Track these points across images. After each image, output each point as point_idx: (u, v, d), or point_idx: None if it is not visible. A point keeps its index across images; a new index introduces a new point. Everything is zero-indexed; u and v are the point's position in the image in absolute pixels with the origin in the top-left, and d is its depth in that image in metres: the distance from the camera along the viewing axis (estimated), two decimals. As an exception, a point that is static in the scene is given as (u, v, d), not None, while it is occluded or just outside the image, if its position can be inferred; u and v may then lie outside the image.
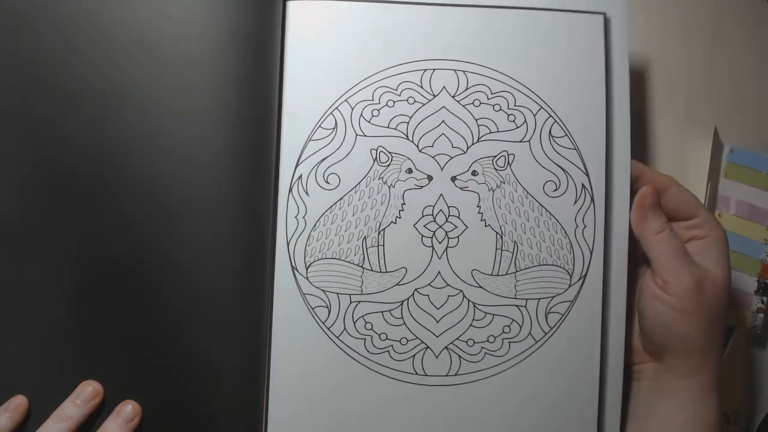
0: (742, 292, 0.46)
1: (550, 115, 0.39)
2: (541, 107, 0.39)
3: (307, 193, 0.38)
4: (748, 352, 0.48)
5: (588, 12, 0.40)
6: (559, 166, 0.39)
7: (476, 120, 0.39)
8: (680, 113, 0.47)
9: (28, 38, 0.35)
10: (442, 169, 0.38)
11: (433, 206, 0.38)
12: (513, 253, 0.38)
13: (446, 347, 0.38)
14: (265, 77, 0.37)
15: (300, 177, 0.38)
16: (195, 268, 0.35)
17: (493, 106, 0.39)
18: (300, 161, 0.38)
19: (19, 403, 0.33)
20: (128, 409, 0.33)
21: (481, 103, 0.39)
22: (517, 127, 0.39)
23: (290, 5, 0.39)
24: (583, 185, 0.39)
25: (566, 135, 0.39)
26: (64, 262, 0.34)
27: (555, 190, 0.39)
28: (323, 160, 0.38)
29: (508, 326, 0.38)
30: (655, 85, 0.47)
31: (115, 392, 0.34)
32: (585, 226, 0.38)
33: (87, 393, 0.33)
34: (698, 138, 0.47)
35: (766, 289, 0.46)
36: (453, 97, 0.39)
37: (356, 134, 0.38)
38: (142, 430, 0.34)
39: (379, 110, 0.39)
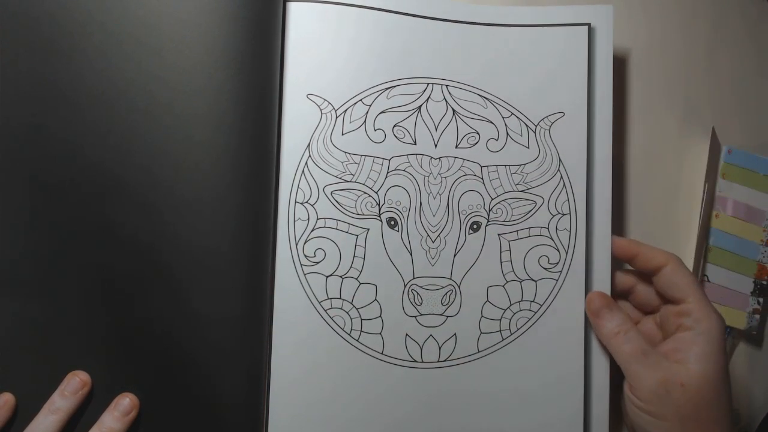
0: (739, 293, 0.46)
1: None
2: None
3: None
4: (745, 353, 0.48)
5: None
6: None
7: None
8: (679, 113, 0.47)
9: (28, 38, 0.35)
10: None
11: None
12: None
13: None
14: (266, 78, 0.37)
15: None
16: (197, 268, 0.35)
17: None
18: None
19: (6, 400, 0.33)
20: (125, 401, 0.34)
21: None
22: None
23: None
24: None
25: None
26: (57, 267, 0.34)
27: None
28: None
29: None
30: (654, 85, 0.47)
31: (114, 389, 0.34)
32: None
33: (75, 384, 0.33)
34: (696, 138, 0.47)
35: (762, 291, 0.46)
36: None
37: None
38: (142, 425, 0.34)
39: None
